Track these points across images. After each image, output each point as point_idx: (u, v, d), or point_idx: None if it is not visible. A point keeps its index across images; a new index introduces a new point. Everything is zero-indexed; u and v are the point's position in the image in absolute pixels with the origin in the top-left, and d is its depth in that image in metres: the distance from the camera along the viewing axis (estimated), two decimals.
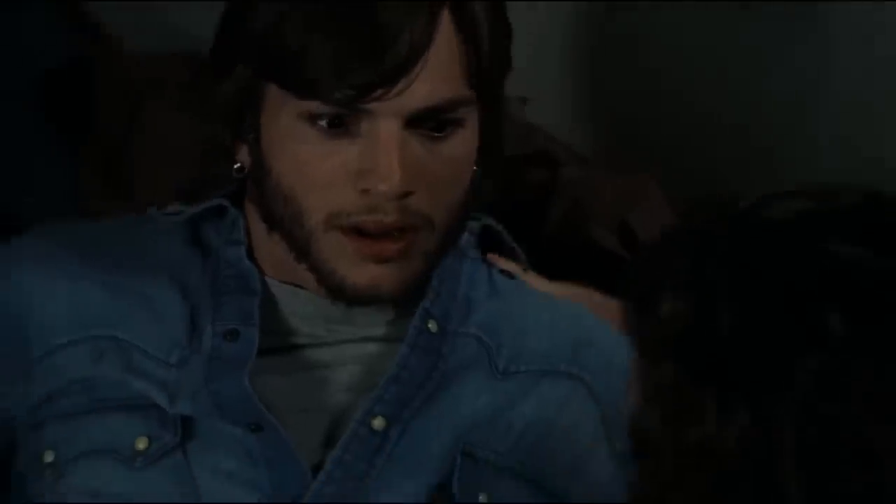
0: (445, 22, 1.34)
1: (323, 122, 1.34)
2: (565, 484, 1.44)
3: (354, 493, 1.38)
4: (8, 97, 1.78)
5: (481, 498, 1.39)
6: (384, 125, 1.33)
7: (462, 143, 1.38)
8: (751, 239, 1.00)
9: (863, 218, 1.00)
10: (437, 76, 1.34)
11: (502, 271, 1.50)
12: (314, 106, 1.34)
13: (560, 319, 1.48)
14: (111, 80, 1.80)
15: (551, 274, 1.52)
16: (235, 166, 1.41)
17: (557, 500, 1.45)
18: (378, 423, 1.38)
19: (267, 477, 1.36)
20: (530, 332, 1.47)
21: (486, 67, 1.38)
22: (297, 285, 1.43)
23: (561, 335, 1.47)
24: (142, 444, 1.37)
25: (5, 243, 1.46)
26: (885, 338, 0.97)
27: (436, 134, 1.36)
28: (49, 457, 1.38)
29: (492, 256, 1.49)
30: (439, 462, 1.39)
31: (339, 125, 1.34)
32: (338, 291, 1.39)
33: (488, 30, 1.37)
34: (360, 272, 1.37)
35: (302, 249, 1.39)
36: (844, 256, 0.97)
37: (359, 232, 1.36)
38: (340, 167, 1.35)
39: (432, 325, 1.43)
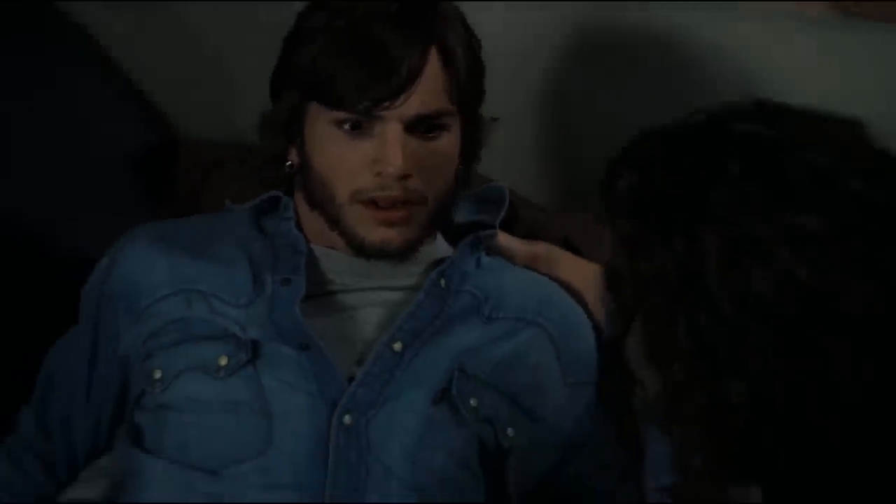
0: (433, 56, 1.61)
1: (347, 126, 1.61)
2: (532, 402, 1.67)
3: (378, 396, 1.60)
4: (111, 167, 2.03)
5: (472, 402, 1.63)
6: (390, 127, 1.60)
7: (447, 143, 1.65)
8: (677, 130, 1.22)
9: (756, 110, 1.21)
10: (427, 93, 1.60)
11: (488, 250, 1.75)
12: (342, 115, 1.61)
13: (530, 285, 1.75)
14: (187, 157, 2.07)
15: None
16: (287, 164, 1.69)
17: (526, 413, 1.67)
18: (397, 346, 1.63)
19: (314, 384, 1.59)
20: (508, 291, 1.72)
21: (463, 90, 1.64)
22: (331, 247, 1.68)
23: (530, 295, 1.73)
24: (223, 361, 1.61)
25: (124, 235, 1.73)
26: (770, 174, 1.15)
27: (428, 135, 1.63)
28: (157, 374, 1.63)
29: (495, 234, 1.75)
30: (440, 375, 1.63)
31: (359, 128, 1.61)
32: (359, 248, 1.65)
33: (465, 64, 1.64)
34: (375, 233, 1.63)
35: (334, 219, 1.66)
36: (742, 128, 1.19)
37: (374, 204, 1.62)
38: (360, 158, 1.62)
39: (442, 282, 1.68)
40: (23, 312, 1.85)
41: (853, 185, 1.14)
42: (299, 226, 1.72)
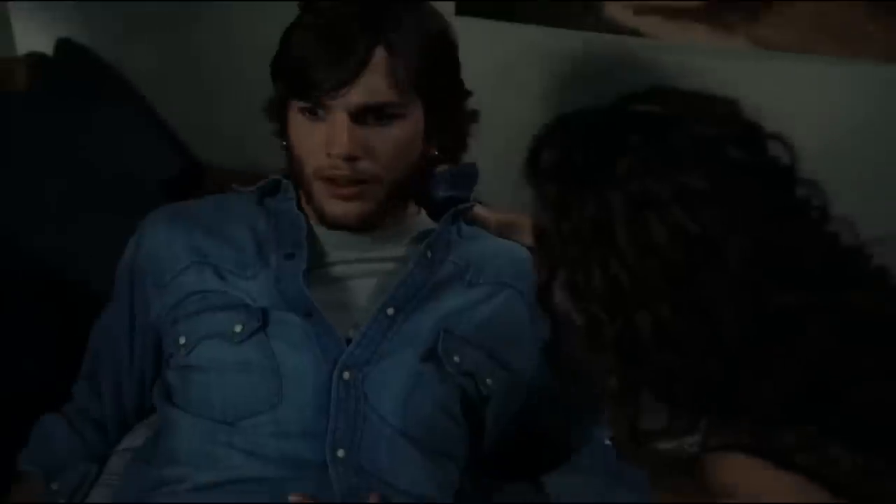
0: (380, 54, 1.71)
1: (307, 113, 1.75)
2: (507, 355, 1.82)
3: (373, 355, 1.73)
4: (146, 186, 2.20)
5: (455, 358, 1.77)
6: (338, 115, 1.72)
7: (401, 130, 1.76)
8: (589, 112, 1.35)
9: (651, 93, 1.34)
10: (371, 85, 1.72)
11: (467, 221, 1.86)
12: (301, 104, 1.75)
13: (505, 252, 1.88)
14: (211, 178, 2.26)
15: None
16: (284, 144, 1.82)
17: (503, 366, 1.81)
18: (390, 311, 1.76)
19: (317, 346, 1.72)
20: (486, 260, 1.86)
21: (418, 84, 1.73)
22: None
23: (505, 261, 1.87)
24: (238, 328, 1.74)
25: (144, 218, 1.86)
26: (662, 143, 1.28)
27: (382, 122, 1.73)
28: (182, 339, 1.77)
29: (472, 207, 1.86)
30: (428, 337, 1.76)
31: (314, 114, 1.74)
32: (322, 218, 1.78)
33: (418, 62, 1.73)
34: (334, 206, 1.77)
35: (307, 194, 1.79)
36: (640, 109, 1.33)
37: (332, 181, 1.75)
38: (317, 141, 1.74)
39: (429, 254, 1.81)
40: (62, 318, 2.00)
41: (729, 152, 1.30)
42: (300, 206, 1.85)
